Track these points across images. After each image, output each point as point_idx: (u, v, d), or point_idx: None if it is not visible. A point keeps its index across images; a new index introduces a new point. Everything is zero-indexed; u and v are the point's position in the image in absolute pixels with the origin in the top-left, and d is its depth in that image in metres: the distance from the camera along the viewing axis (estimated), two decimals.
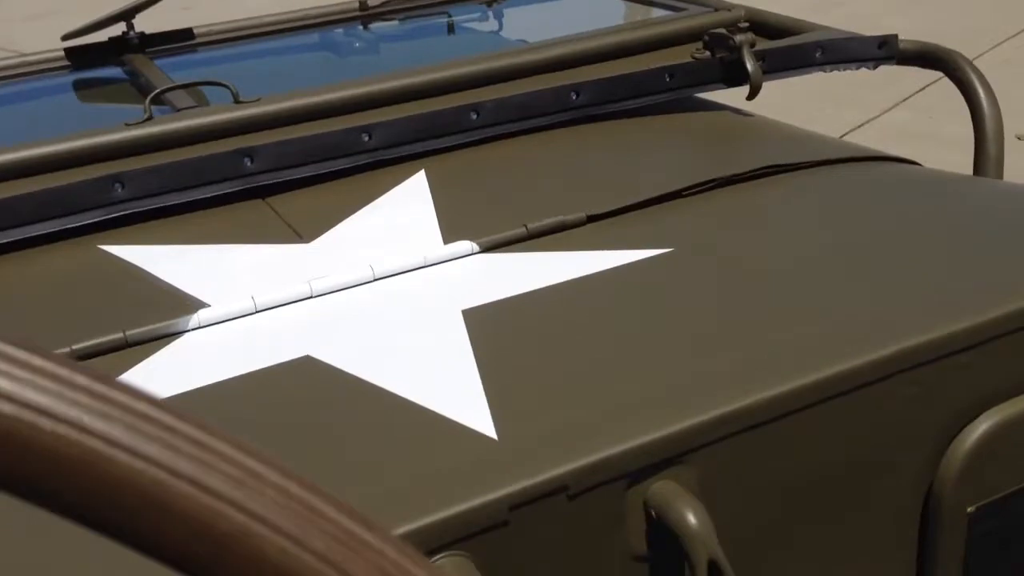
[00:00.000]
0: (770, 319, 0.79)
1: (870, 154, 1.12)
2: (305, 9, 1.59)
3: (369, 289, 0.87)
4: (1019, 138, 3.66)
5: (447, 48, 1.65)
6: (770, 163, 1.05)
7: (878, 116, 4.00)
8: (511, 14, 1.70)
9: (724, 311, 0.81)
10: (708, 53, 1.22)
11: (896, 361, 0.72)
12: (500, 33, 1.66)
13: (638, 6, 1.53)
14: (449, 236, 0.94)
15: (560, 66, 1.25)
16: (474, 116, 1.12)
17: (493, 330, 0.79)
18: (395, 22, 1.63)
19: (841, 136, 3.72)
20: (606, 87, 1.17)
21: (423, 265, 0.90)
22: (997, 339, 0.76)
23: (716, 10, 1.39)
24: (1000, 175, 1.21)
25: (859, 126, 3.92)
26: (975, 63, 3.96)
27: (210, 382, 0.75)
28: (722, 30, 1.20)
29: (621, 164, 1.12)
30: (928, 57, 1.26)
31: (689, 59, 1.22)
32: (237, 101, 1.13)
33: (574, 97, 1.16)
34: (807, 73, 1.26)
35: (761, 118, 1.25)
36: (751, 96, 1.20)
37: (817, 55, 1.24)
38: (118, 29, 1.44)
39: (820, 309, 0.80)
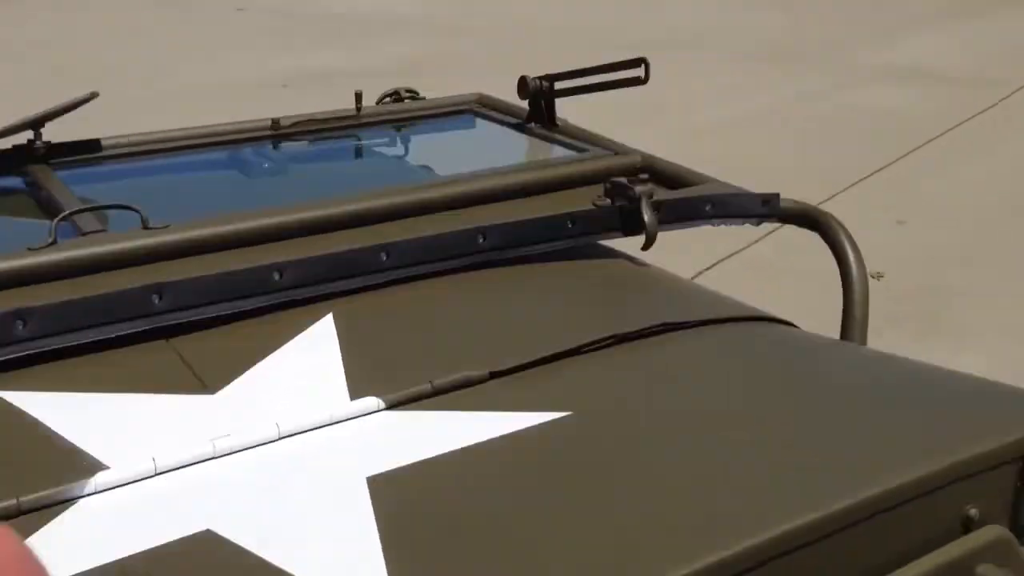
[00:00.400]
0: (670, 485, 0.82)
1: (754, 314, 1.19)
2: (215, 125, 1.60)
3: (273, 449, 0.85)
4: (875, 276, 3.95)
5: (356, 172, 1.69)
6: (664, 321, 1.10)
7: (744, 248, 4.22)
8: (418, 141, 1.76)
9: (624, 476, 0.83)
10: (608, 200, 1.26)
11: (802, 532, 0.75)
12: (406, 158, 1.71)
13: (541, 142, 1.60)
14: (355, 389, 0.94)
15: (466, 203, 1.29)
16: (384, 257, 1.13)
17: (397, 501, 0.78)
18: (305, 143, 1.65)
19: (711, 266, 3.92)
20: (512, 231, 1.21)
21: (329, 423, 0.89)
22: (881, 513, 0.79)
23: (616, 153, 1.45)
24: (865, 338, 1.30)
25: (727, 257, 4.13)
26: (834, 199, 4.17)
27: (104, 561, 0.71)
28: (623, 179, 1.25)
29: (525, 314, 1.15)
30: (805, 217, 1.33)
31: (591, 205, 1.27)
32: (146, 227, 1.12)
33: (481, 240, 1.18)
34: (698, 226, 1.31)
35: (656, 270, 1.30)
36: (646, 246, 1.24)
37: (707, 208, 1.30)
38: (24, 136, 1.41)
39: (718, 475, 0.83)
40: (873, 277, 3.92)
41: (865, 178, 5.14)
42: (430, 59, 8.51)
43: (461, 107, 1.77)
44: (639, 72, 1.48)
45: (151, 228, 1.12)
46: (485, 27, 10.17)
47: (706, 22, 10.74)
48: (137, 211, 1.14)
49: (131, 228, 1.13)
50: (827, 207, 4.82)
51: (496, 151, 1.60)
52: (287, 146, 1.64)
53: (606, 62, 1.53)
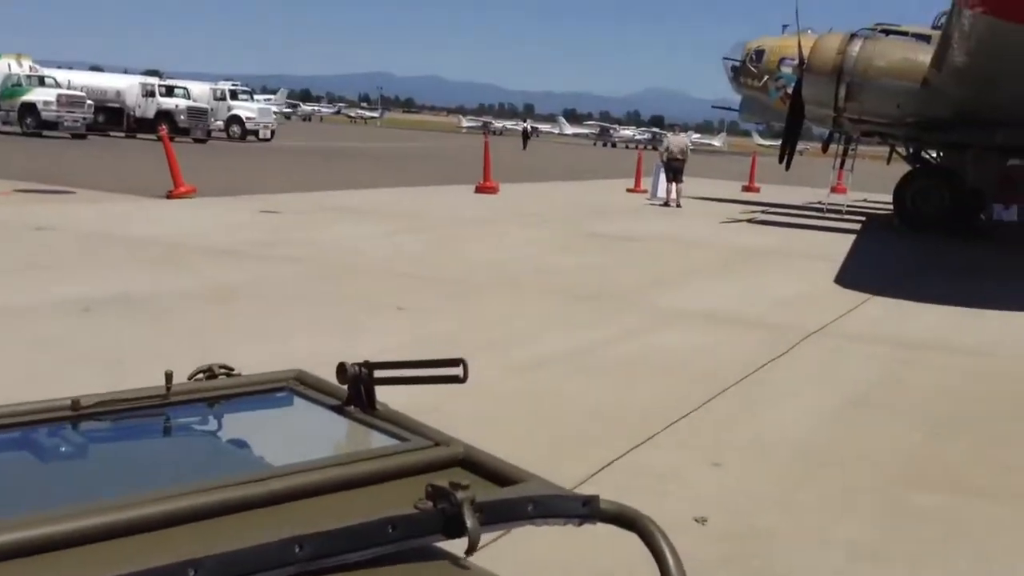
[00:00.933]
0: None
1: None
2: (6, 405, 1.41)
3: None
4: (699, 521, 3.98)
5: (166, 457, 1.55)
6: None
7: None
8: (232, 420, 1.63)
9: None
10: (430, 503, 1.23)
11: None
12: (220, 441, 1.59)
13: (360, 427, 1.55)
14: None
15: (283, 499, 1.23)
16: (192, 573, 1.01)
17: None
18: (109, 423, 1.49)
19: None
20: (331, 539, 1.14)
21: None
22: None
23: (436, 444, 1.43)
24: None
25: None
26: (651, 440, 4.21)
27: None
28: (445, 484, 1.23)
29: None
30: (623, 518, 1.32)
31: (412, 507, 1.22)
32: None
33: (298, 550, 1.11)
34: (519, 526, 1.30)
35: (480, 573, 1.26)
36: (469, 552, 1.22)
37: (529, 509, 1.29)
38: None
39: None
40: (697, 522, 3.96)
41: (678, 420, 5.31)
42: (247, 285, 8.41)
43: (278, 384, 1.69)
44: (458, 371, 1.52)
45: None
46: (306, 255, 10.24)
47: (519, 260, 11.27)
48: None
49: None
50: (645, 448, 4.94)
51: (315, 434, 1.56)
52: (89, 426, 1.47)
53: (426, 359, 1.56)
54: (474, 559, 1.24)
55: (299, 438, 1.54)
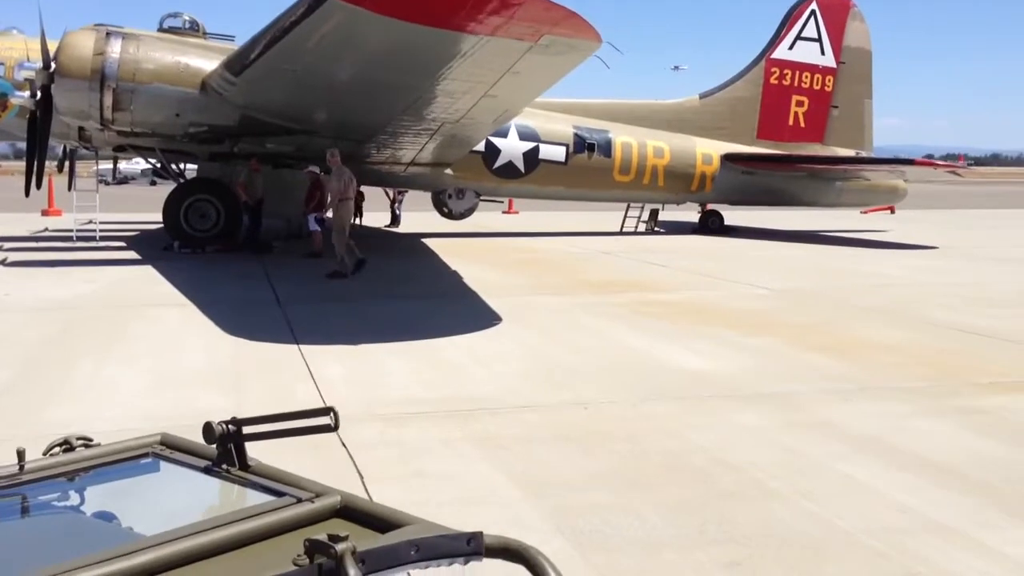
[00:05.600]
0: None
1: None
2: None
3: None
4: None
5: (22, 535, 1.44)
6: None
7: None
8: (96, 493, 1.54)
9: None
10: (307, 560, 1.20)
11: None
12: (84, 516, 1.49)
13: (233, 486, 1.51)
14: None
15: (153, 572, 1.19)
16: None
17: None
18: None
19: None
20: None
21: None
22: None
23: (316, 495, 1.43)
24: None
25: None
26: None
27: None
28: (323, 537, 1.19)
29: None
30: (509, 551, 1.31)
31: (291, 564, 1.20)
32: None
33: None
34: (405, 572, 1.26)
35: None
36: None
37: (413, 553, 1.26)
38: None
39: None
40: None
41: None
42: None
43: (142, 451, 1.65)
44: (328, 420, 1.52)
45: None
46: None
47: None
48: None
49: None
50: None
51: (185, 499, 1.53)
52: None
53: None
54: None
55: (169, 504, 1.53)
